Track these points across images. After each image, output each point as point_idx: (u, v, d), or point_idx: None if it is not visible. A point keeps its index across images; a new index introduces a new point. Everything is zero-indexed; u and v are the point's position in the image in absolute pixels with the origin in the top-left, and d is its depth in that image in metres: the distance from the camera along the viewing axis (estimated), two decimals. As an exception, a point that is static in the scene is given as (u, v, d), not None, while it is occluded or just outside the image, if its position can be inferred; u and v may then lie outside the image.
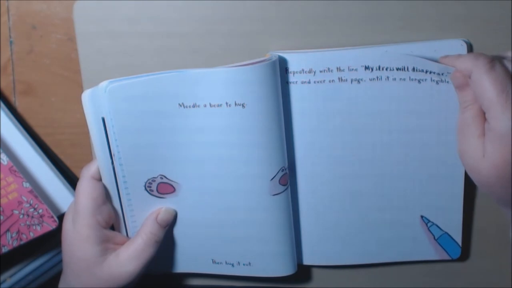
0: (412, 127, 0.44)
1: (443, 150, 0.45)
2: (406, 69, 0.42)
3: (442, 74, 0.42)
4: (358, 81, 0.43)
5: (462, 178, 0.46)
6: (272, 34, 0.46)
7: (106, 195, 0.45)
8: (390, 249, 0.48)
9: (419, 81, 0.43)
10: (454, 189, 0.46)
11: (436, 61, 0.42)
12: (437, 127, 0.44)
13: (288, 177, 0.45)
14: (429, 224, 0.47)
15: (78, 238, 0.44)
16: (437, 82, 0.42)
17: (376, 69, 0.43)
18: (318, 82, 0.44)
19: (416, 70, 0.42)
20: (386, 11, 0.44)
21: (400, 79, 0.43)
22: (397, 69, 0.42)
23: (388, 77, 0.43)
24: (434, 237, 0.47)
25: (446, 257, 0.48)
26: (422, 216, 0.47)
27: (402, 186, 0.46)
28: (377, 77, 0.43)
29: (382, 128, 0.45)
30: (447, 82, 0.42)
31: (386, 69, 0.43)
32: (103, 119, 0.42)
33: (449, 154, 0.44)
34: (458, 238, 0.48)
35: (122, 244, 0.45)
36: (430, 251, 0.48)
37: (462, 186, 0.46)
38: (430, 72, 0.42)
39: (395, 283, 0.51)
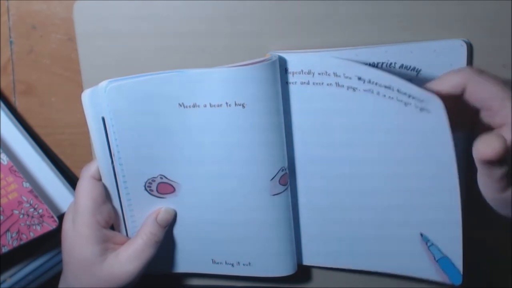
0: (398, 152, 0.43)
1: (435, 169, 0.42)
2: (393, 89, 0.41)
3: (423, 100, 0.39)
4: (354, 89, 0.42)
5: (458, 193, 0.42)
6: (272, 34, 0.46)
7: (106, 195, 0.45)
8: (391, 260, 0.47)
9: (405, 104, 0.41)
10: (451, 204, 0.42)
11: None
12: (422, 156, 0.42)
13: (288, 177, 0.45)
14: (428, 244, 0.45)
15: (78, 238, 0.44)
16: (420, 110, 0.40)
17: (368, 82, 0.42)
18: (316, 84, 0.43)
19: (401, 93, 0.40)
20: (386, 11, 0.44)
21: (389, 97, 0.41)
22: (386, 87, 0.41)
23: (379, 92, 0.41)
24: (434, 258, 0.45)
25: (448, 281, 0.45)
26: (421, 234, 0.45)
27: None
28: (370, 90, 0.42)
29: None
30: (428, 111, 0.39)
31: (376, 84, 0.41)
32: (103, 119, 0.42)
33: (445, 171, 0.41)
34: (459, 264, 0.44)
35: (122, 244, 0.45)
36: (431, 270, 0.46)
37: (459, 202, 0.42)
38: (413, 98, 0.40)
39: (395, 283, 0.51)
